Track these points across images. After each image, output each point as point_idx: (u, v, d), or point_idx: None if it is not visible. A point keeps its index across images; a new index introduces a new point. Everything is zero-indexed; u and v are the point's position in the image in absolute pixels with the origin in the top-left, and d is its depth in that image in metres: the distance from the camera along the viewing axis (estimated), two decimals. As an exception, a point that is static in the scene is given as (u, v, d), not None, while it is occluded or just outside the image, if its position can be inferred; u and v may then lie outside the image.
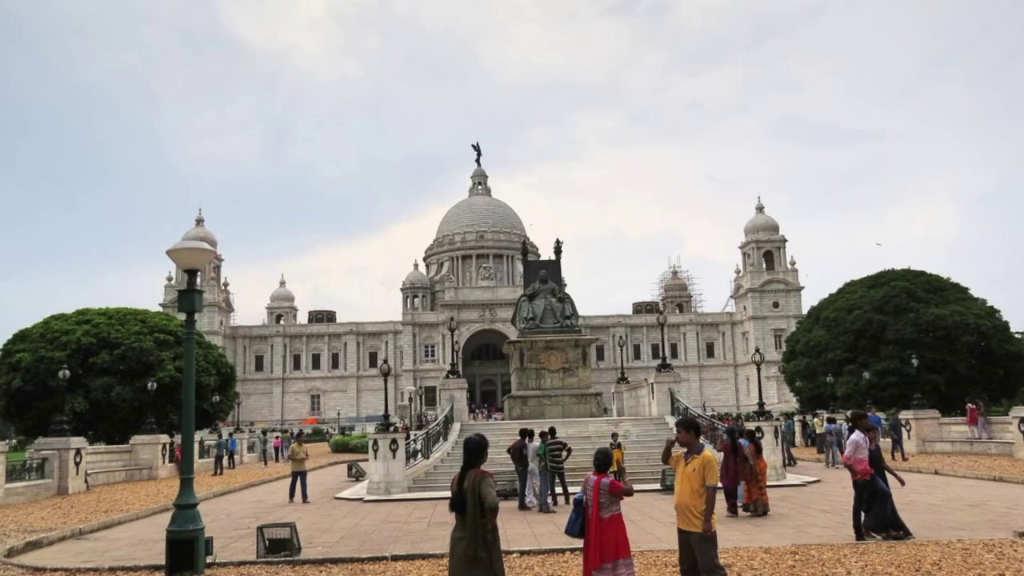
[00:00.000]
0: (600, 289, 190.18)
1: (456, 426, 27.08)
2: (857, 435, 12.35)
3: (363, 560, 11.69)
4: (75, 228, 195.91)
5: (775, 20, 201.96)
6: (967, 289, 47.47)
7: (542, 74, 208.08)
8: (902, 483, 12.83)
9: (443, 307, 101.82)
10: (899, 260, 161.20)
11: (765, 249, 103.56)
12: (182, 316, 14.01)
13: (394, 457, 21.37)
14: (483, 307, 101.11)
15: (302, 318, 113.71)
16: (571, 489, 17.45)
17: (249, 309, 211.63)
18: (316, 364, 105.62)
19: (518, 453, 18.00)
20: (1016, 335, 46.87)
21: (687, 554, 7.57)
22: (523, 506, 17.67)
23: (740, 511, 15.81)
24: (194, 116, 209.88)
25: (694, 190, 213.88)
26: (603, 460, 7.97)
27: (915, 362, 38.52)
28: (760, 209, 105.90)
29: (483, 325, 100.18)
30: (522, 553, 11.75)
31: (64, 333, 40.34)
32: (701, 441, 7.75)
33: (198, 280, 25.74)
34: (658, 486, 19.88)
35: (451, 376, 30.41)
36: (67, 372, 29.87)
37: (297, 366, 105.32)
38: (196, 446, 26.83)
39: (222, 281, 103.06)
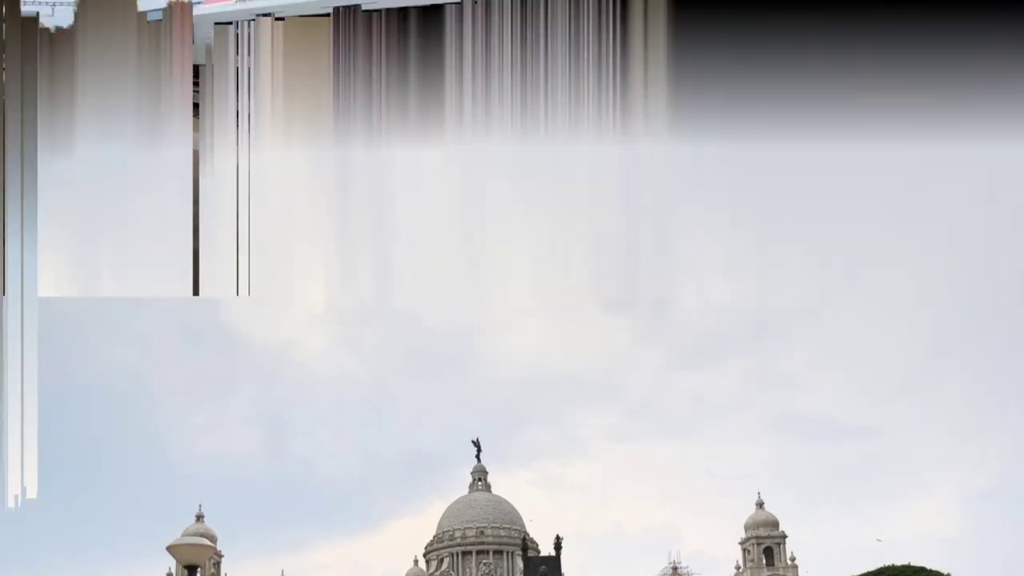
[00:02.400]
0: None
1: None
2: None
3: None
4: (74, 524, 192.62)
5: (773, 317, 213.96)
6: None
7: (542, 369, 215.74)
8: None
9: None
10: (900, 555, 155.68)
11: (765, 545, 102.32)
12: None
13: None
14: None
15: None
16: None
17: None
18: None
19: None
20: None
21: None
22: None
23: None
24: (193, 413, 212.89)
25: (694, 485, 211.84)
26: None
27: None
28: (760, 505, 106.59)
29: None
30: None
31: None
32: None
33: None
34: None
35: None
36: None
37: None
38: None
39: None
